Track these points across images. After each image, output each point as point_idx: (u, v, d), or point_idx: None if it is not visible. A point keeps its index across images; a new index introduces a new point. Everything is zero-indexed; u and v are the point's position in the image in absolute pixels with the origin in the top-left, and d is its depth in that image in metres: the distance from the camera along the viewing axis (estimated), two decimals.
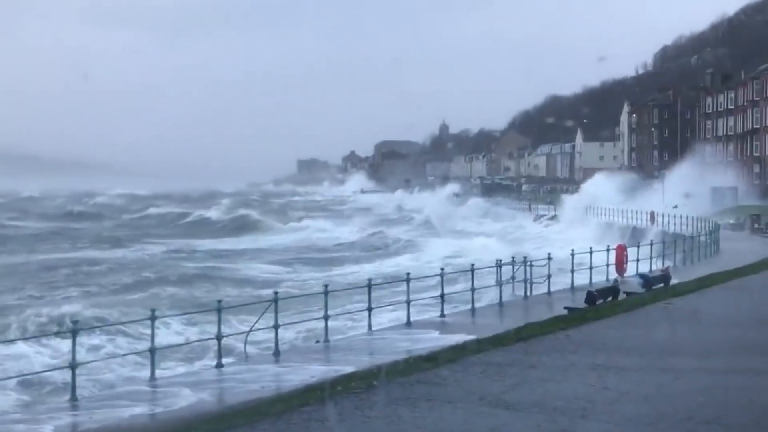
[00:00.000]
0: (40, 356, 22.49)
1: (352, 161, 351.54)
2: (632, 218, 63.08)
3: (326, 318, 19.79)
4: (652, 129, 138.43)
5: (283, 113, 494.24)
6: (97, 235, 74.60)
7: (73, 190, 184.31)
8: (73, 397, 14.65)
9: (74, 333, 15.22)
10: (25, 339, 23.39)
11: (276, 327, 18.59)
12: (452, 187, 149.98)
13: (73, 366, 14.75)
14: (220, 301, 18.25)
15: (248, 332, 19.17)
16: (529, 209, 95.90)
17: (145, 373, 17.51)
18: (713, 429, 10.86)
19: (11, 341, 23.40)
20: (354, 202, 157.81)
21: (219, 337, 17.52)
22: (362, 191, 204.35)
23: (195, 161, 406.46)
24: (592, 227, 66.90)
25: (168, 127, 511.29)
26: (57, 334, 23.45)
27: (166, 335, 24.51)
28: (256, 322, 19.18)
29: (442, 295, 23.71)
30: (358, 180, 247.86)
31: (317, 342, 20.72)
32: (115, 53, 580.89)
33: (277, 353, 18.47)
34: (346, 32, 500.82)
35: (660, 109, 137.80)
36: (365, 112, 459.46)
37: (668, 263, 36.50)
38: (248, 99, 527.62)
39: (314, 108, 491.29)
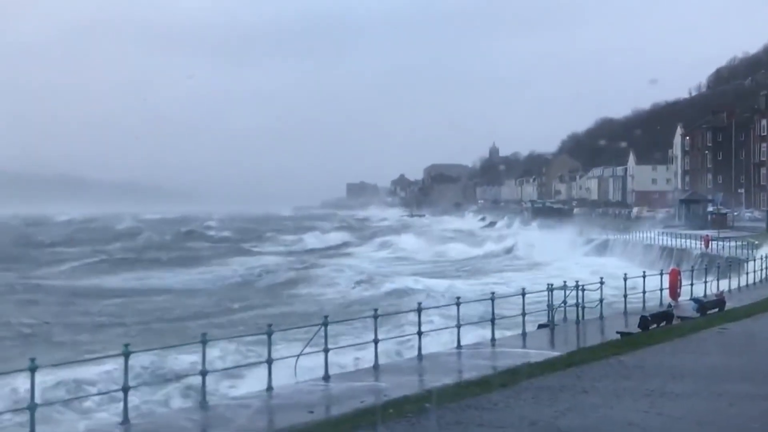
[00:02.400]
0: None
1: (401, 184, 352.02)
2: (686, 242, 62.50)
3: (376, 342, 19.79)
4: (706, 152, 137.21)
5: (334, 137, 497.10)
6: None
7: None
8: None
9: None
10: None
11: (326, 351, 18.64)
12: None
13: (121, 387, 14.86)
14: (270, 325, 18.34)
15: (298, 356, 19.23)
16: (581, 235, 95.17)
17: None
18: None
19: None
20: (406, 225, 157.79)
21: (269, 362, 17.60)
22: (411, 215, 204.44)
23: (243, 185, 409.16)
24: (645, 252, 66.38)
25: (219, 151, 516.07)
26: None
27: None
28: (305, 347, 19.24)
29: (492, 320, 23.62)
30: (398, 208, 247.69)
31: (368, 367, 20.77)
32: (171, 78, 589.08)
33: (327, 377, 18.52)
34: (397, 56, 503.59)
35: (714, 132, 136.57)
36: (415, 135, 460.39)
37: (723, 288, 36.10)
38: (300, 123, 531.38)
39: (365, 132, 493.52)
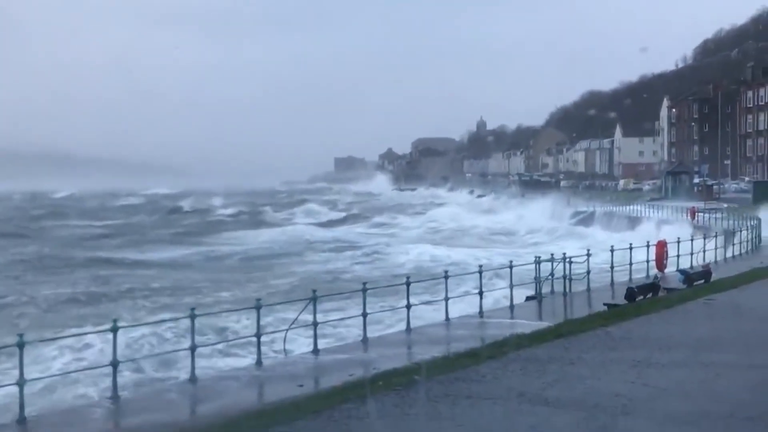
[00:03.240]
0: None
1: (389, 158, 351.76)
2: (672, 214, 62.63)
3: (364, 315, 19.83)
4: (692, 123, 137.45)
5: (321, 111, 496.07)
6: None
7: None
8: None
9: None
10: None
11: (315, 324, 18.66)
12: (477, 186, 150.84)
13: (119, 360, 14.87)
14: (258, 299, 18.34)
15: (287, 330, 19.26)
16: (568, 205, 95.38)
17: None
18: (756, 426, 10.79)
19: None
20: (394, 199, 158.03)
21: (258, 336, 17.60)
22: (400, 189, 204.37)
23: (231, 160, 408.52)
24: (632, 224, 66.51)
25: (207, 126, 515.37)
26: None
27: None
28: (294, 321, 19.26)
29: (480, 292, 23.67)
30: (382, 180, 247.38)
31: (356, 339, 20.82)
32: (156, 52, 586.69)
33: (316, 351, 18.55)
34: (383, 30, 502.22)
35: (700, 104, 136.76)
36: (403, 110, 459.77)
37: (709, 259, 36.24)
38: (286, 97, 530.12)
39: (352, 106, 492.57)
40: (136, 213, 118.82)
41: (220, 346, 22.89)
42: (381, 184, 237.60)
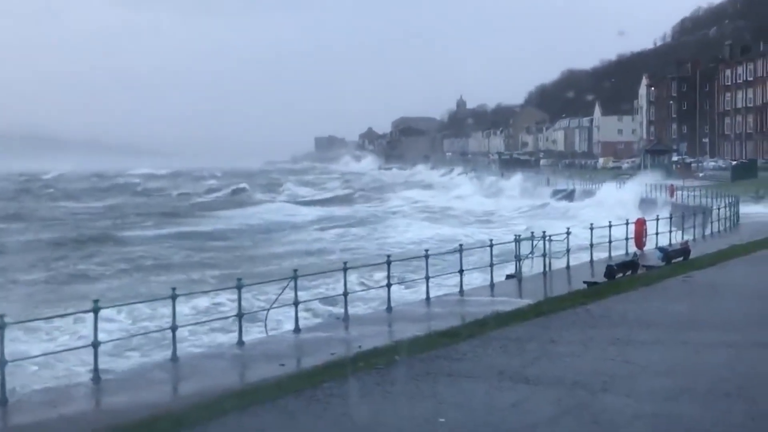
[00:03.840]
0: None
1: (370, 138, 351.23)
2: (651, 192, 62.82)
3: (345, 294, 19.82)
4: (671, 102, 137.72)
5: (300, 91, 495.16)
6: None
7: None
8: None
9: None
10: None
11: (296, 304, 18.64)
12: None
13: (95, 344, 14.81)
14: (239, 279, 18.30)
15: (268, 309, 19.24)
16: (547, 184, 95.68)
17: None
18: (735, 402, 10.85)
19: None
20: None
21: (239, 316, 17.58)
22: (386, 168, 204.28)
23: (215, 140, 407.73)
24: (611, 202, 66.72)
25: (190, 107, 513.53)
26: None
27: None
28: (276, 299, 19.24)
29: (461, 271, 23.69)
30: (368, 160, 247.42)
31: (337, 318, 20.81)
32: (138, 34, 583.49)
33: (297, 330, 18.54)
34: (363, 9, 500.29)
35: (678, 82, 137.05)
36: (383, 89, 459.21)
37: (688, 237, 36.39)
38: (267, 78, 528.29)
39: (331, 85, 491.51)
40: (121, 194, 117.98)
41: (205, 326, 22.82)
42: (365, 163, 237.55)
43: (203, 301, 27.39)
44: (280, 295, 19.25)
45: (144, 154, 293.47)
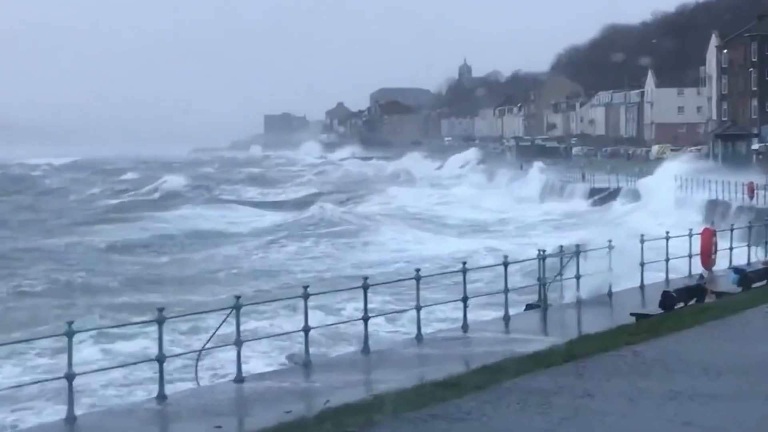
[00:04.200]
0: None
1: (340, 116, 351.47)
2: (724, 192, 63.06)
3: (306, 331, 19.76)
4: (750, 70, 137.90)
5: (247, 59, 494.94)
6: None
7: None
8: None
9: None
10: None
11: (239, 344, 18.57)
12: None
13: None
14: (161, 309, 18.22)
15: (200, 351, 19.20)
16: (583, 179, 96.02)
17: None
18: None
19: None
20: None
21: (160, 359, 17.48)
22: (355, 157, 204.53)
23: (132, 123, 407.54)
24: (669, 205, 67.01)
25: (102, 85, 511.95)
26: None
27: None
28: (212, 336, 19.18)
29: (464, 299, 23.64)
30: (343, 145, 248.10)
31: (296, 363, 20.78)
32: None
33: (240, 378, 18.48)
34: None
35: (761, 43, 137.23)
36: (358, 52, 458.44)
37: None
38: (203, 46, 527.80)
39: (288, 48, 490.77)
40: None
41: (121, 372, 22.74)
42: (333, 150, 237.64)
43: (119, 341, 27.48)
44: (216, 330, 19.18)
45: (38, 138, 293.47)
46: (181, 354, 20.55)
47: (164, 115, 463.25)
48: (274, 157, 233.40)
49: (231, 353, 19.00)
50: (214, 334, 19.21)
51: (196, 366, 19.07)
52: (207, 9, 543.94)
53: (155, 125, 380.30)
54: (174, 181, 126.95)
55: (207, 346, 19.21)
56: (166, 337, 18.07)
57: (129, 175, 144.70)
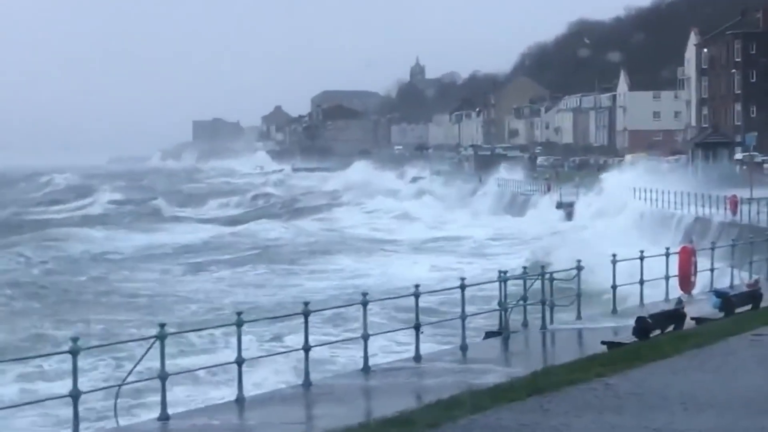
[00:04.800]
0: None
1: (278, 122, 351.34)
2: (703, 205, 63.32)
3: (239, 363, 19.66)
4: (733, 71, 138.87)
5: (171, 58, 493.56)
6: None
7: None
8: None
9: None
10: None
11: (163, 378, 18.45)
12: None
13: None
14: (76, 339, 18.08)
15: (119, 386, 19.06)
16: (548, 190, 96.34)
17: None
18: None
19: None
20: None
21: (74, 396, 17.35)
22: (295, 169, 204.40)
23: (41, 130, 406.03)
24: (638, 219, 67.33)
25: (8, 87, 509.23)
26: None
27: None
28: (133, 369, 19.07)
29: (417, 326, 23.61)
30: (280, 156, 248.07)
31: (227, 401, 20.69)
32: None
33: (165, 416, 18.37)
34: None
35: (745, 41, 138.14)
36: (299, 52, 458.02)
37: (758, 275, 36.67)
38: (128, 49, 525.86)
39: (218, 48, 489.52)
40: None
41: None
42: (267, 160, 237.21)
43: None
44: (137, 363, 19.07)
45: None
46: (101, 389, 20.39)
47: (79, 120, 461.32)
48: (208, 169, 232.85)
49: (155, 389, 18.86)
50: (135, 367, 19.09)
51: (115, 403, 18.92)
52: (128, 7, 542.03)
53: (68, 131, 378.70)
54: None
55: (127, 381, 19.07)
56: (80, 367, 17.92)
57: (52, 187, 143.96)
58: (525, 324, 27.55)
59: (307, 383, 20.98)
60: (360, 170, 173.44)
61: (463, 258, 65.78)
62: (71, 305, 48.57)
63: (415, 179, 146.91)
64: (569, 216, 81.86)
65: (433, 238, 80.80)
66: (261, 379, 25.19)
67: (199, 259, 67.49)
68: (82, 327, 39.21)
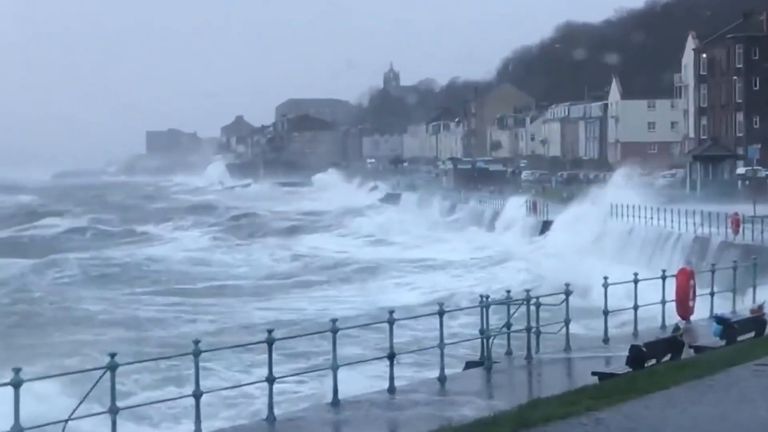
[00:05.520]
0: None
1: (240, 133, 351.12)
2: (702, 225, 63.51)
3: (197, 396, 19.62)
4: (734, 78, 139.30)
5: (123, 65, 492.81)
6: None
7: None
8: None
9: None
10: None
11: (114, 412, 18.39)
12: None
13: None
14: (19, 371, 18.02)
15: (66, 421, 18.99)
16: (534, 210, 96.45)
17: None
18: None
19: None
20: None
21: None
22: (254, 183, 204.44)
23: None
24: (635, 243, 67.51)
25: None
26: None
27: None
28: (83, 399, 19.01)
29: (391, 356, 23.60)
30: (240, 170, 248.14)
31: None
32: None
33: None
34: None
35: (747, 46, 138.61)
36: (261, 55, 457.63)
37: (763, 298, 36.75)
38: (67, 52, 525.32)
39: (173, 53, 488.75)
40: None
41: None
42: (223, 175, 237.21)
43: None
44: (86, 396, 19.00)
45: None
46: (45, 424, 20.29)
47: (15, 131, 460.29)
48: (166, 183, 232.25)
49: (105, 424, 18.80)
50: (83, 400, 19.02)
51: None
52: (75, 8, 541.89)
53: (6, 143, 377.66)
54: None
55: (75, 416, 18.99)
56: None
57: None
58: (509, 353, 27.58)
59: (271, 417, 20.95)
60: (327, 184, 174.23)
61: (438, 281, 66.00)
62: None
63: (385, 196, 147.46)
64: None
65: (405, 259, 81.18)
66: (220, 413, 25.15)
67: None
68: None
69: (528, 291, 28.01)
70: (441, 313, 24.95)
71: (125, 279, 72.39)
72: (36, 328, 50.26)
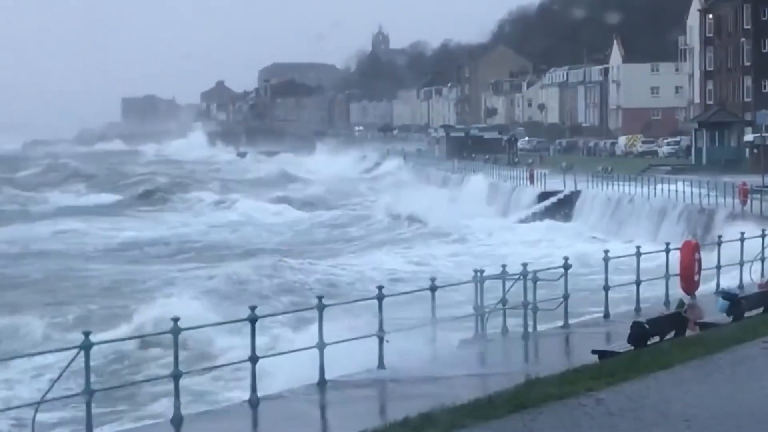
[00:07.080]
0: None
1: (220, 99, 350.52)
2: (708, 195, 63.51)
3: (176, 376, 19.64)
4: (742, 39, 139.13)
5: (97, 28, 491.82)
6: None
7: None
8: None
9: None
10: None
11: (89, 392, 18.41)
12: None
13: None
14: None
15: (38, 403, 19.06)
16: (530, 182, 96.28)
17: None
18: None
19: None
20: None
21: None
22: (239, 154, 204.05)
23: None
24: (639, 214, 67.47)
25: None
26: None
27: None
28: (55, 381, 19.05)
29: (380, 334, 23.61)
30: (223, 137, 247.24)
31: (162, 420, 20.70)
32: None
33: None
34: None
35: (756, 5, 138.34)
36: (242, 16, 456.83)
37: None
38: (38, 14, 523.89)
39: (150, 16, 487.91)
40: None
41: None
42: (203, 144, 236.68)
43: None
44: (58, 377, 19.05)
45: None
46: (16, 407, 20.37)
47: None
48: (147, 152, 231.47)
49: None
50: (55, 382, 19.05)
51: (33, 421, 18.89)
52: None
53: None
54: None
55: (48, 397, 19.04)
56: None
57: None
58: (504, 331, 27.59)
59: (254, 399, 20.97)
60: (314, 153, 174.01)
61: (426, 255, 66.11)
62: None
63: (376, 164, 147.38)
64: (560, 208, 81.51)
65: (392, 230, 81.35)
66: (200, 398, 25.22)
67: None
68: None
69: (524, 265, 27.98)
70: (433, 289, 24.98)
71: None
72: None
